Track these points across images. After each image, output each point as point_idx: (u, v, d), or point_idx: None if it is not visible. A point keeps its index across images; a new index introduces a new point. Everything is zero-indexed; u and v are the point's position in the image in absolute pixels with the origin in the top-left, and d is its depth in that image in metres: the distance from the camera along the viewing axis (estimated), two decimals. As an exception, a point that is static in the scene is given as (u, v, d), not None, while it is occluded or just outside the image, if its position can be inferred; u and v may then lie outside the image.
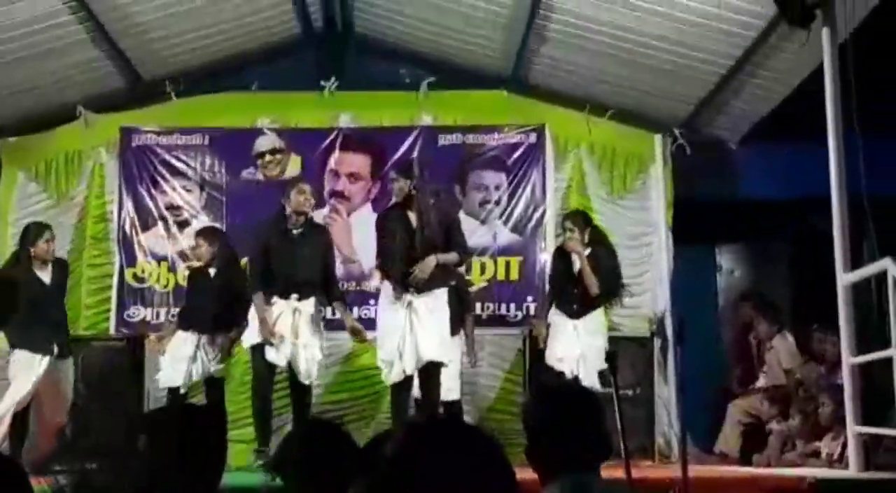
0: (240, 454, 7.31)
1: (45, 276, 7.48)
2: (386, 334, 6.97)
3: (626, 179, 9.07)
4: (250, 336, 7.22)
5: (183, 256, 8.77)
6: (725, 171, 9.32)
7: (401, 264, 6.90)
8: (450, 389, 7.50)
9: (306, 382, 7.24)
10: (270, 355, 7.12)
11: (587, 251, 7.70)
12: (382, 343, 7.01)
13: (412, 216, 6.93)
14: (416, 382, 7.12)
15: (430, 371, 6.91)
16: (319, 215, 8.92)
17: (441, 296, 6.97)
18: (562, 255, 7.92)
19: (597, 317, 7.72)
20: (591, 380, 7.30)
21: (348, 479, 2.29)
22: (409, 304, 6.83)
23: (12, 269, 7.47)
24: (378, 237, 7.17)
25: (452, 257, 7.05)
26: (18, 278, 7.27)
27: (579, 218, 7.96)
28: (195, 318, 7.68)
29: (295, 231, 7.30)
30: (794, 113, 8.26)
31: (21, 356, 7.34)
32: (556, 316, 7.80)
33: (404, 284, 6.85)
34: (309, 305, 7.25)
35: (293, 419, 7.29)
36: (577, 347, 7.55)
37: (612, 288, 7.78)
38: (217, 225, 8.54)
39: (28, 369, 7.31)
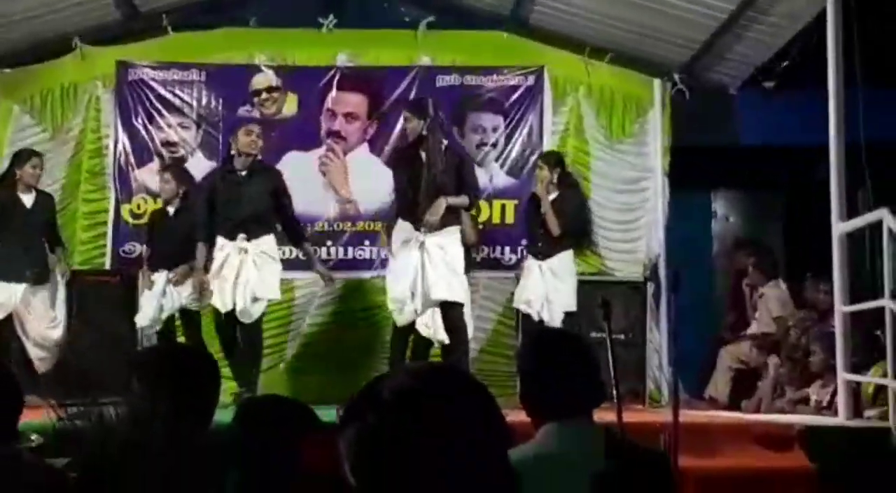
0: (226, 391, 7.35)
1: (28, 200, 7.61)
2: (398, 275, 7.01)
3: (623, 124, 9.04)
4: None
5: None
6: (724, 117, 9.28)
7: (412, 204, 6.90)
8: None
9: (245, 321, 7.18)
10: (215, 300, 7.15)
11: (554, 193, 7.79)
12: (394, 283, 7.05)
13: (423, 157, 6.91)
14: (426, 322, 7.16)
15: (449, 312, 6.93)
16: (315, 155, 8.93)
17: (453, 233, 6.97)
18: (534, 196, 8.03)
19: (564, 259, 7.82)
20: (554, 323, 7.38)
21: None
22: (422, 244, 6.84)
23: None
24: (393, 177, 7.23)
25: (462, 199, 7.07)
26: None
27: (551, 158, 8.11)
28: (160, 258, 7.79)
29: (241, 172, 7.28)
30: (795, 60, 8.22)
31: None
32: (527, 259, 7.94)
33: (416, 224, 6.86)
34: (257, 244, 7.21)
35: (242, 358, 7.27)
36: (541, 288, 7.63)
37: (576, 230, 7.90)
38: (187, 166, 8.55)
39: None
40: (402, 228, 7.02)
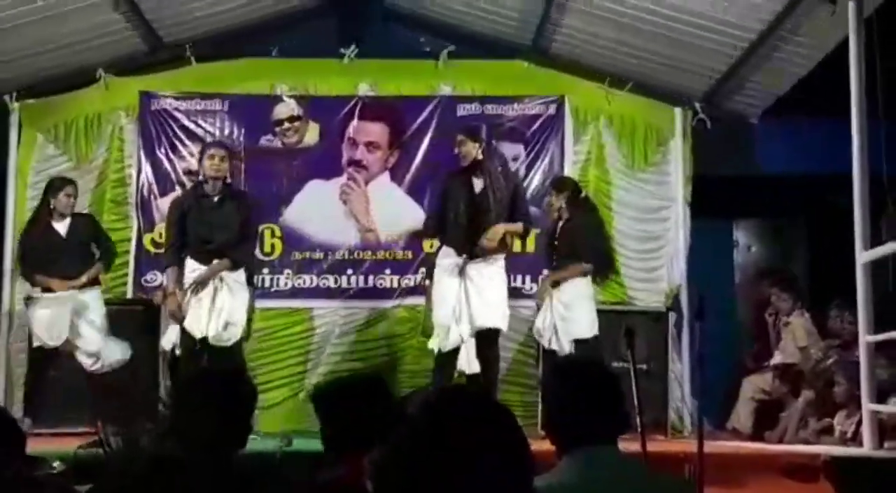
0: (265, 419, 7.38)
1: (62, 228, 7.62)
2: (441, 300, 6.97)
3: (645, 153, 9.03)
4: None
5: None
6: (745, 146, 9.26)
7: (463, 231, 6.87)
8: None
9: (220, 345, 7.07)
10: (189, 325, 7.02)
11: (565, 218, 7.68)
12: (438, 308, 7.01)
13: (477, 182, 6.88)
14: (463, 353, 7.13)
15: (488, 338, 6.92)
16: (337, 184, 8.95)
17: (499, 260, 6.98)
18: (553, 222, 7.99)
19: (578, 286, 7.53)
20: (563, 351, 7.27)
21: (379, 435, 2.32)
22: (463, 270, 6.81)
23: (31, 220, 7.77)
24: (441, 201, 7.19)
25: (518, 226, 7.07)
26: None
27: (559, 184, 7.98)
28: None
29: (214, 198, 7.20)
30: (816, 89, 8.21)
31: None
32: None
33: (465, 250, 6.83)
34: (232, 272, 7.16)
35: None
36: (550, 317, 7.50)
37: (592, 256, 7.64)
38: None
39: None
40: (447, 253, 6.99)
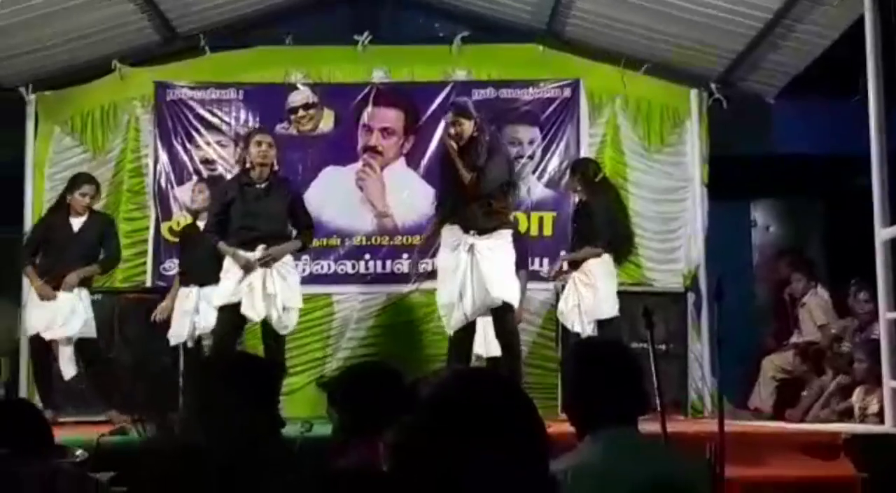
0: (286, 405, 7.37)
1: (77, 224, 7.59)
2: (445, 278, 6.89)
3: (661, 134, 9.01)
4: (220, 295, 7.08)
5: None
6: (762, 126, 9.23)
7: (462, 207, 6.84)
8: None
9: (282, 331, 7.10)
10: (246, 310, 6.95)
11: (580, 198, 7.70)
12: (442, 288, 6.95)
13: (475, 158, 6.80)
14: (480, 337, 7.10)
15: (502, 315, 6.80)
16: (352, 170, 8.97)
17: (504, 236, 6.85)
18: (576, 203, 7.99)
19: (598, 265, 7.54)
20: (586, 333, 7.27)
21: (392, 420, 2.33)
22: (471, 247, 6.76)
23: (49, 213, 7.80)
24: (442, 179, 7.12)
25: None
26: None
27: (577, 164, 8.00)
28: (191, 273, 7.71)
29: (259, 185, 7.13)
30: (832, 68, 8.17)
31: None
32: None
33: (468, 225, 6.78)
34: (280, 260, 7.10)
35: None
36: (573, 298, 7.52)
37: (609, 236, 7.61)
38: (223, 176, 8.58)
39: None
40: (450, 230, 6.95)
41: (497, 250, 6.78)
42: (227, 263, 7.07)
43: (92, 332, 7.53)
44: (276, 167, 7.28)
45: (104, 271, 8.00)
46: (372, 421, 2.88)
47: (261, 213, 7.10)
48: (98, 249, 7.70)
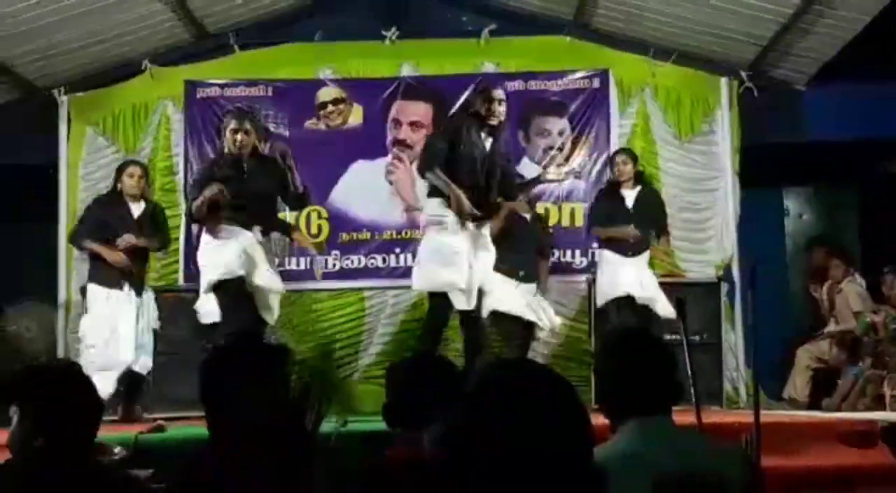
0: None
1: (136, 210, 7.64)
2: (451, 255, 6.71)
3: (692, 123, 8.96)
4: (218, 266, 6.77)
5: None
6: (793, 113, 9.16)
7: (471, 190, 6.73)
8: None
9: (268, 318, 6.92)
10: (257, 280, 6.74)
11: (637, 188, 7.80)
12: (448, 264, 6.72)
13: (489, 143, 6.77)
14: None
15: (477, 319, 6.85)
16: (382, 164, 8.98)
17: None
18: (613, 191, 7.97)
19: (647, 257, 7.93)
20: (666, 311, 7.28)
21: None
22: (470, 232, 6.71)
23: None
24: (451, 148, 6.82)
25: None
26: None
27: (632, 153, 8.08)
28: None
29: (241, 167, 6.84)
30: (864, 53, 8.10)
31: (93, 290, 7.54)
32: (608, 254, 7.85)
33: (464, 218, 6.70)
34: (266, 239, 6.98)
35: None
36: (651, 287, 7.68)
37: (661, 228, 7.92)
38: None
39: (99, 302, 7.49)
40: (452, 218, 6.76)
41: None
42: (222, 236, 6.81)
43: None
44: (260, 149, 7.10)
45: (159, 249, 8.02)
46: (419, 413, 2.90)
47: (249, 195, 6.77)
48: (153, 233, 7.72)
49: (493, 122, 6.80)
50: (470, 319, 6.89)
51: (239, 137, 6.80)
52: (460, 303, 6.71)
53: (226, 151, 6.93)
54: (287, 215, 8.01)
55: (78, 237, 7.79)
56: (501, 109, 6.80)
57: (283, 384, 2.77)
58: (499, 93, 6.95)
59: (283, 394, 2.74)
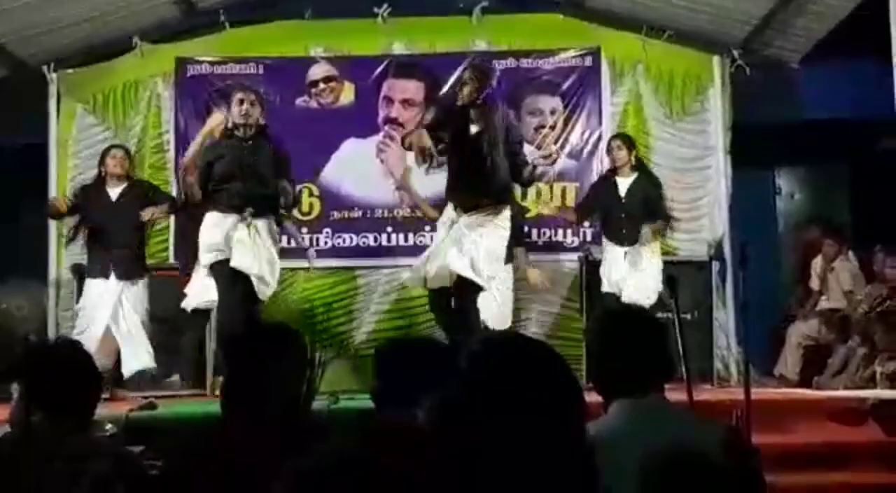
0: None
1: (114, 193, 7.52)
2: (434, 249, 6.82)
3: (683, 102, 8.95)
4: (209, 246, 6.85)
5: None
6: (785, 92, 9.14)
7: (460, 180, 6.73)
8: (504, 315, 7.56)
9: (260, 296, 6.90)
10: (238, 262, 6.72)
11: (633, 175, 7.74)
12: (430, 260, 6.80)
13: (472, 126, 6.63)
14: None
15: (463, 293, 6.69)
16: (373, 142, 8.95)
17: (500, 214, 6.70)
18: (607, 177, 7.94)
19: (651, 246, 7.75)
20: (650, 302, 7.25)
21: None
22: (457, 221, 6.67)
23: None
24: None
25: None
26: None
27: (628, 139, 8.00)
28: None
29: (246, 143, 6.88)
30: (857, 31, 8.08)
31: (88, 281, 7.49)
32: (606, 243, 7.83)
33: (457, 203, 6.68)
34: (265, 224, 6.90)
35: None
36: (639, 278, 7.55)
37: (660, 214, 7.79)
38: None
39: (87, 292, 7.46)
40: (447, 210, 6.83)
41: (487, 233, 6.63)
42: (214, 218, 6.87)
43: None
44: (262, 123, 7.03)
45: (171, 212, 7.97)
46: (411, 392, 2.89)
47: (247, 174, 6.83)
48: (136, 218, 7.52)
49: (459, 102, 6.71)
50: (449, 296, 6.84)
51: (244, 106, 6.86)
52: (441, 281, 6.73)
53: (229, 124, 6.95)
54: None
55: (68, 231, 7.72)
56: (465, 91, 6.67)
57: (298, 366, 2.79)
58: (466, 74, 6.87)
59: (298, 375, 2.75)
